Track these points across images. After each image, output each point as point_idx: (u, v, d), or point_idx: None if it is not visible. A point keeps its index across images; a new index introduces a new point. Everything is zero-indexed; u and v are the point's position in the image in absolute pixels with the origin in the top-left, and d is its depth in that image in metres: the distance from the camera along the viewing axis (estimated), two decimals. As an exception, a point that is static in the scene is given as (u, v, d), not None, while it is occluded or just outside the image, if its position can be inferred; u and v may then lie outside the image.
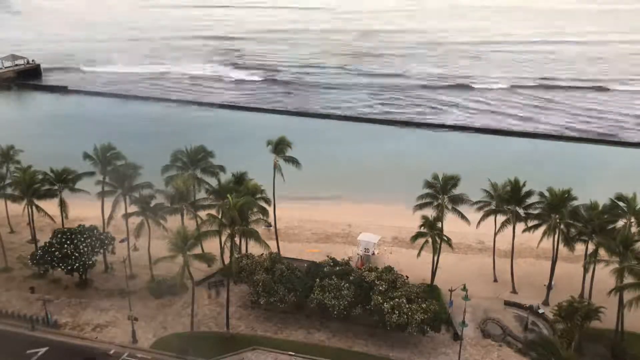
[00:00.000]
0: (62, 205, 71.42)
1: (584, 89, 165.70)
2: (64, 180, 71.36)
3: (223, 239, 60.90)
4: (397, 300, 56.98)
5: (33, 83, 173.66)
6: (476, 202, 68.38)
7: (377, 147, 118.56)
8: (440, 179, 66.31)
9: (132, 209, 68.19)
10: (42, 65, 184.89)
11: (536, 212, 66.38)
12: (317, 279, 61.52)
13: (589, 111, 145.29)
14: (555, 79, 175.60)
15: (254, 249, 67.11)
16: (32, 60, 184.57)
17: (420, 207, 66.99)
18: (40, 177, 71.22)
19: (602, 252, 60.81)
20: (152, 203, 67.25)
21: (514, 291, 68.05)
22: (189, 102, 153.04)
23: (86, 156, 70.46)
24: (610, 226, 62.34)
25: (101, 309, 63.89)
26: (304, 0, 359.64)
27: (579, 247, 65.62)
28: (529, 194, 66.66)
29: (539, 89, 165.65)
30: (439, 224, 65.44)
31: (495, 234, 68.45)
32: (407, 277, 63.50)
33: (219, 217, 60.19)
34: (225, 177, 72.70)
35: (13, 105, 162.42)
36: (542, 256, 73.36)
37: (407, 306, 56.75)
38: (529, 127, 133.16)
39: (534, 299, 65.69)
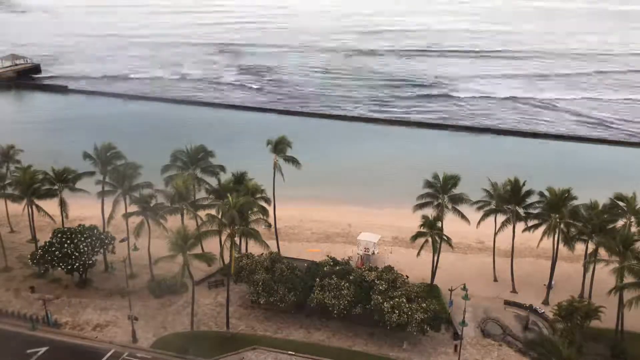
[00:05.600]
0: (62, 205, 71.39)
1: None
2: (64, 180, 71.31)
3: (223, 238, 60.89)
4: (397, 299, 56.97)
5: (33, 83, 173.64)
6: (476, 202, 68.39)
7: (377, 146, 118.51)
8: (440, 178, 66.36)
9: (132, 208, 68.18)
10: (42, 66, 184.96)
11: (536, 211, 66.38)
12: (317, 279, 61.54)
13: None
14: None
15: (254, 248, 67.15)
16: (32, 61, 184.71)
17: (421, 206, 67.05)
18: (40, 176, 71.10)
19: (602, 252, 60.88)
20: (152, 203, 67.23)
21: (514, 291, 68.05)
22: (189, 102, 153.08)
23: (86, 156, 70.45)
24: (610, 226, 62.27)
25: (101, 309, 63.89)
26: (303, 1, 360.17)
27: (579, 247, 65.63)
28: (529, 193, 66.66)
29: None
30: (439, 224, 65.46)
31: (495, 234, 68.46)
32: (407, 276, 63.51)
33: (219, 216, 60.18)
34: (225, 177, 72.75)
35: (13, 105, 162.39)
36: (542, 256, 73.36)
37: (407, 306, 56.73)
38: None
39: (534, 299, 65.69)
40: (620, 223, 62.98)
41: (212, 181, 72.74)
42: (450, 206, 66.48)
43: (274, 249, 69.32)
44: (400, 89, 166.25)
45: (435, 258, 66.38)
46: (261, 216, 66.38)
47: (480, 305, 64.26)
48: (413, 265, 68.40)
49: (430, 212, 66.42)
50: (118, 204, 68.09)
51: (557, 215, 62.82)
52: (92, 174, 71.23)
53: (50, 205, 72.00)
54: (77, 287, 67.79)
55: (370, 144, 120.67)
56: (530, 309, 63.75)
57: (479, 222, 68.11)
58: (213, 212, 64.43)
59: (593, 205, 63.55)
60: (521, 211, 67.31)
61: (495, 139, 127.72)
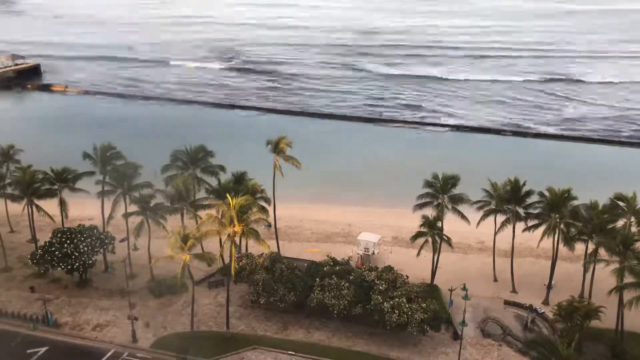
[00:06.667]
0: (62, 204, 71.40)
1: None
2: (64, 179, 71.33)
3: (223, 238, 60.93)
4: (397, 299, 56.99)
5: (33, 83, 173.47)
6: (476, 202, 68.40)
7: (377, 146, 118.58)
8: (440, 178, 66.40)
9: (132, 208, 68.21)
10: (42, 65, 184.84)
11: (536, 211, 66.39)
12: (317, 279, 61.58)
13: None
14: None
15: (254, 248, 67.17)
16: (32, 60, 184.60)
17: (420, 206, 67.09)
18: (40, 176, 71.15)
19: (602, 252, 60.90)
20: (152, 203, 67.26)
21: (514, 291, 68.07)
22: (188, 102, 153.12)
23: (86, 156, 70.49)
24: (610, 226, 62.25)
25: (101, 309, 63.91)
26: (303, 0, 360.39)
27: (579, 247, 65.65)
28: (529, 193, 66.68)
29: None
30: (439, 224, 65.48)
31: (495, 234, 68.47)
32: (407, 276, 63.56)
33: (219, 216, 60.18)
34: (225, 177, 72.78)
35: (13, 105, 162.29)
36: (542, 256, 73.42)
37: (407, 306, 56.75)
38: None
39: (534, 299, 65.72)
40: (620, 223, 62.98)
41: (212, 181, 72.75)
42: (450, 206, 66.50)
43: (274, 249, 69.33)
44: (402, 88, 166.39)
45: (435, 258, 66.41)
46: (261, 216, 66.42)
47: (480, 305, 64.29)
48: (413, 265, 68.41)
49: (430, 212, 66.44)
50: (118, 204, 68.13)
51: (557, 215, 62.86)
52: (92, 173, 71.23)
53: (50, 205, 72.01)
54: (77, 287, 67.81)
55: (371, 144, 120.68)
56: (530, 309, 63.78)
57: (478, 222, 68.12)
58: (213, 212, 64.42)
59: (593, 205, 63.56)
60: (521, 211, 67.33)
61: (495, 139, 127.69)
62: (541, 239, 64.05)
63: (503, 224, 67.77)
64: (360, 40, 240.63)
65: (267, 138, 74.06)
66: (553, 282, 66.69)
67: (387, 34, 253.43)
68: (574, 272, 68.60)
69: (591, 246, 63.61)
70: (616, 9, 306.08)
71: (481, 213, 68.40)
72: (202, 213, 66.68)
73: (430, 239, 64.52)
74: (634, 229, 61.59)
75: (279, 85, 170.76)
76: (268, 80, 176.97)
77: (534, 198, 66.63)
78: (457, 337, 59.01)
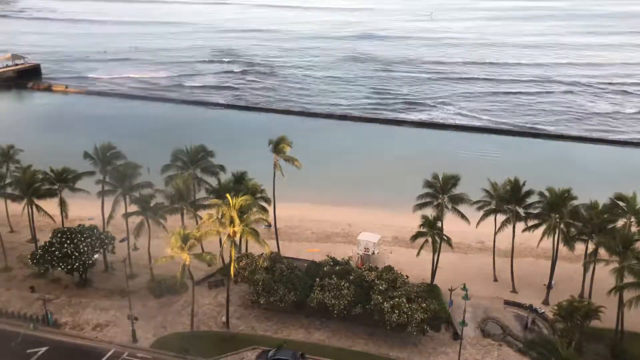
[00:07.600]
0: (62, 204, 71.41)
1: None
2: (64, 179, 71.35)
3: (223, 238, 60.96)
4: (397, 299, 56.98)
5: (33, 83, 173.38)
6: (476, 202, 68.41)
7: (377, 146, 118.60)
8: (440, 178, 66.40)
9: (132, 208, 68.21)
10: (42, 65, 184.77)
11: (536, 211, 66.41)
12: (317, 279, 61.58)
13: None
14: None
15: (254, 248, 67.16)
16: (32, 60, 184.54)
17: (421, 206, 67.08)
18: (40, 176, 71.17)
19: (602, 252, 60.89)
20: (152, 203, 67.26)
21: (514, 291, 68.07)
22: (189, 102, 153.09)
23: (86, 155, 70.52)
24: (610, 226, 62.30)
25: (101, 309, 63.90)
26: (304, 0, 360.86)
27: (579, 247, 65.66)
28: (529, 193, 66.70)
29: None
30: (439, 224, 65.49)
31: (495, 234, 68.48)
32: (407, 276, 63.52)
33: (219, 216, 60.18)
34: (225, 177, 72.80)
35: (13, 105, 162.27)
36: (542, 256, 73.41)
37: (407, 305, 56.75)
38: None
39: (534, 299, 65.71)
40: (620, 223, 62.98)
41: (212, 181, 72.77)
42: (450, 206, 66.53)
43: (274, 249, 69.30)
44: (402, 88, 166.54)
45: (435, 258, 66.40)
46: (261, 216, 66.42)
47: (480, 305, 64.29)
48: (413, 265, 68.38)
49: (430, 212, 66.43)
50: (118, 204, 68.15)
51: (557, 215, 62.85)
52: (92, 173, 71.28)
53: (50, 205, 72.00)
54: (77, 287, 67.81)
55: (371, 144, 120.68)
56: (530, 309, 63.79)
57: (478, 222, 68.14)
58: (213, 212, 64.38)
59: (593, 205, 63.57)
60: (521, 211, 67.34)
61: (495, 139, 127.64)
62: (541, 239, 64.08)
63: (503, 224, 67.79)
64: (361, 41, 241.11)
65: (267, 138, 74.07)
66: (553, 282, 66.70)
67: (387, 34, 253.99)
68: (574, 272, 68.56)
69: (591, 246, 63.63)
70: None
71: (481, 213, 68.42)
72: (202, 213, 66.68)
73: (430, 239, 64.53)
74: (634, 229, 61.59)
75: (278, 86, 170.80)
76: (267, 80, 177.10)
77: (534, 198, 66.64)
78: (457, 337, 59.00)
